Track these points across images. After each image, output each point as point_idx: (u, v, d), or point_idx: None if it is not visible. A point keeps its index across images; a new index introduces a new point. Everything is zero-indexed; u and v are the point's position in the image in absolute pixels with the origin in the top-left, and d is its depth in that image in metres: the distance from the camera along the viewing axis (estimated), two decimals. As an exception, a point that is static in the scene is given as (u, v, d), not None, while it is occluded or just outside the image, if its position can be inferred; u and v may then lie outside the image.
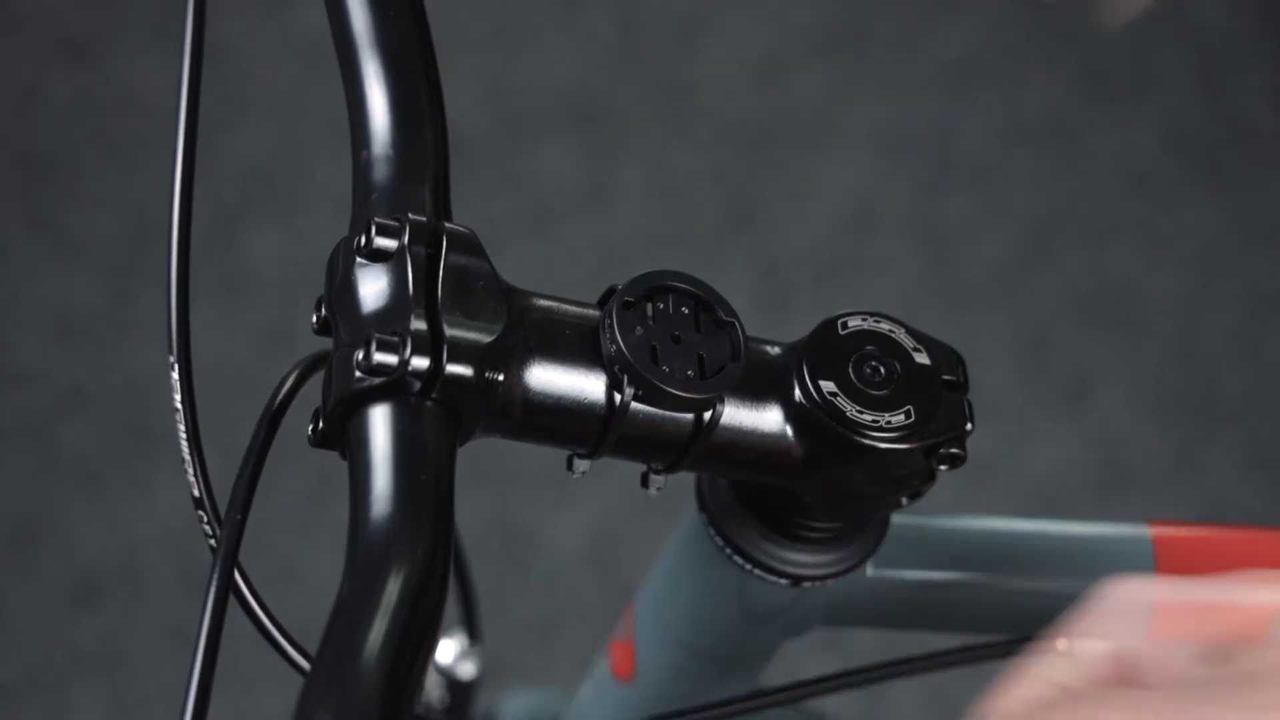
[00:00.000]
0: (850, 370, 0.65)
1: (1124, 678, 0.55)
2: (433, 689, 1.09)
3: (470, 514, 1.96)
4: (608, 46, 2.25)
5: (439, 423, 0.58)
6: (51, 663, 1.92)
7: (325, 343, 0.61)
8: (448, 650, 1.10)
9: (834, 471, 0.66)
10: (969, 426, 0.66)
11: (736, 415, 0.64)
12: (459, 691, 1.09)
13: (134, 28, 2.21)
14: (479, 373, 0.59)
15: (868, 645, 1.83)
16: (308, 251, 2.10)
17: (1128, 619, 0.56)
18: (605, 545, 1.98)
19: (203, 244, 2.03)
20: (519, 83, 2.22)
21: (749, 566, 0.74)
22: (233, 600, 0.60)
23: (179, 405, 0.64)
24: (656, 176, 2.14)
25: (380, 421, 0.57)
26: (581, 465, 0.64)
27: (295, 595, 1.89)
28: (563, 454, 0.65)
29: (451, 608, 1.12)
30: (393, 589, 0.52)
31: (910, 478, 0.67)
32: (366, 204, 0.61)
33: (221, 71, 2.17)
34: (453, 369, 0.58)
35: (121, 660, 1.92)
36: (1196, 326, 2.14)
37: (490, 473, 1.98)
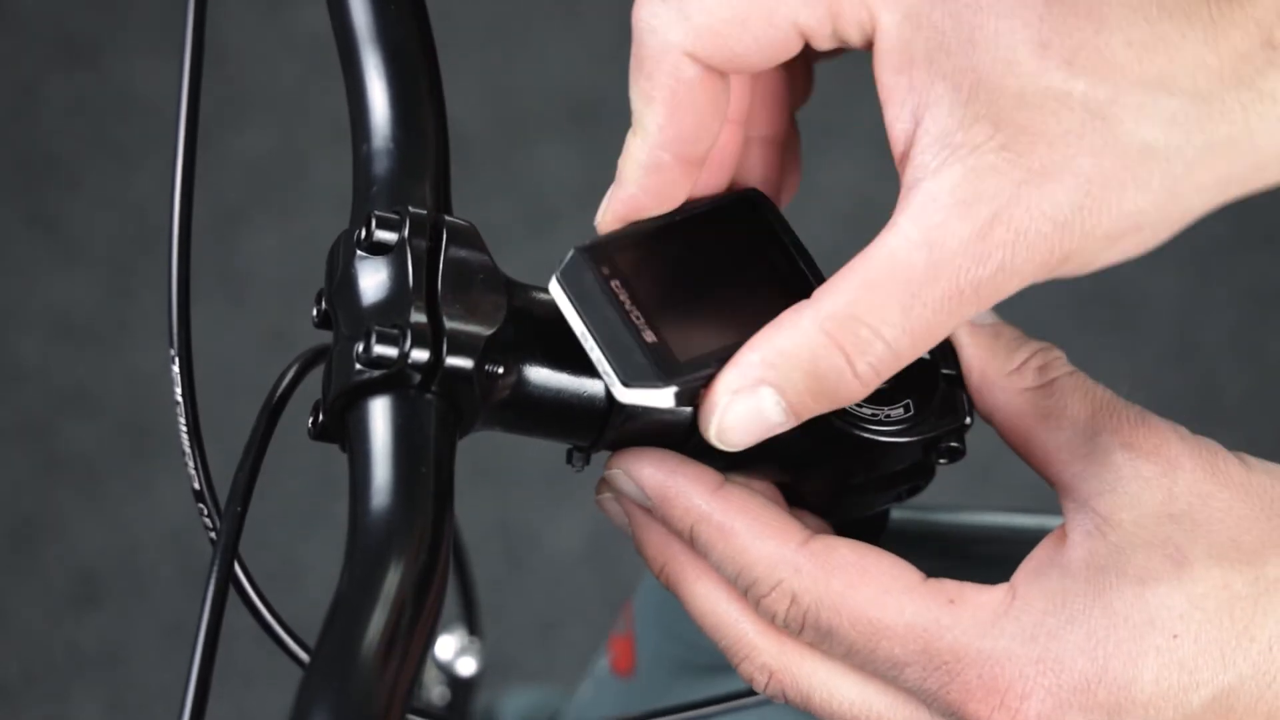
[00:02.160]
0: (849, 365, 0.65)
1: None
2: (433, 685, 1.09)
3: (471, 514, 1.96)
4: (608, 46, 2.25)
5: (439, 415, 0.58)
6: (51, 663, 1.92)
7: (326, 337, 0.62)
8: (448, 647, 1.10)
9: (832, 465, 0.66)
10: (968, 420, 0.66)
11: None
12: (459, 688, 1.09)
13: (134, 28, 2.21)
14: (479, 365, 0.59)
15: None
16: (307, 251, 2.10)
17: None
18: (605, 545, 1.98)
19: (202, 244, 2.03)
20: (519, 82, 2.22)
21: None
22: (232, 598, 0.60)
23: (179, 398, 0.64)
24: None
25: (380, 414, 0.57)
26: (580, 459, 0.64)
27: (295, 594, 1.89)
28: (562, 450, 0.65)
29: (452, 604, 1.12)
30: (392, 581, 0.52)
31: (909, 472, 0.67)
32: (367, 197, 0.61)
33: (221, 71, 2.17)
34: (452, 362, 0.58)
35: (121, 660, 1.93)
36: (1196, 326, 2.14)
37: (491, 472, 1.98)
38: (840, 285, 0.56)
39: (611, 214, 0.61)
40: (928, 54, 0.55)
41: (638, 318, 0.60)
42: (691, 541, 0.62)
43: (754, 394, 0.58)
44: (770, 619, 0.61)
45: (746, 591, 0.61)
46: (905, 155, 0.56)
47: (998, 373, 0.63)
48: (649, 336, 0.60)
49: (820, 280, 0.62)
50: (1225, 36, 0.55)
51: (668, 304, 0.61)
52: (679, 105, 0.59)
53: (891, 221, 0.56)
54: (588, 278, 0.60)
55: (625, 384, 0.60)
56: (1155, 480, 0.60)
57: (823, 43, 0.57)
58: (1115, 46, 0.55)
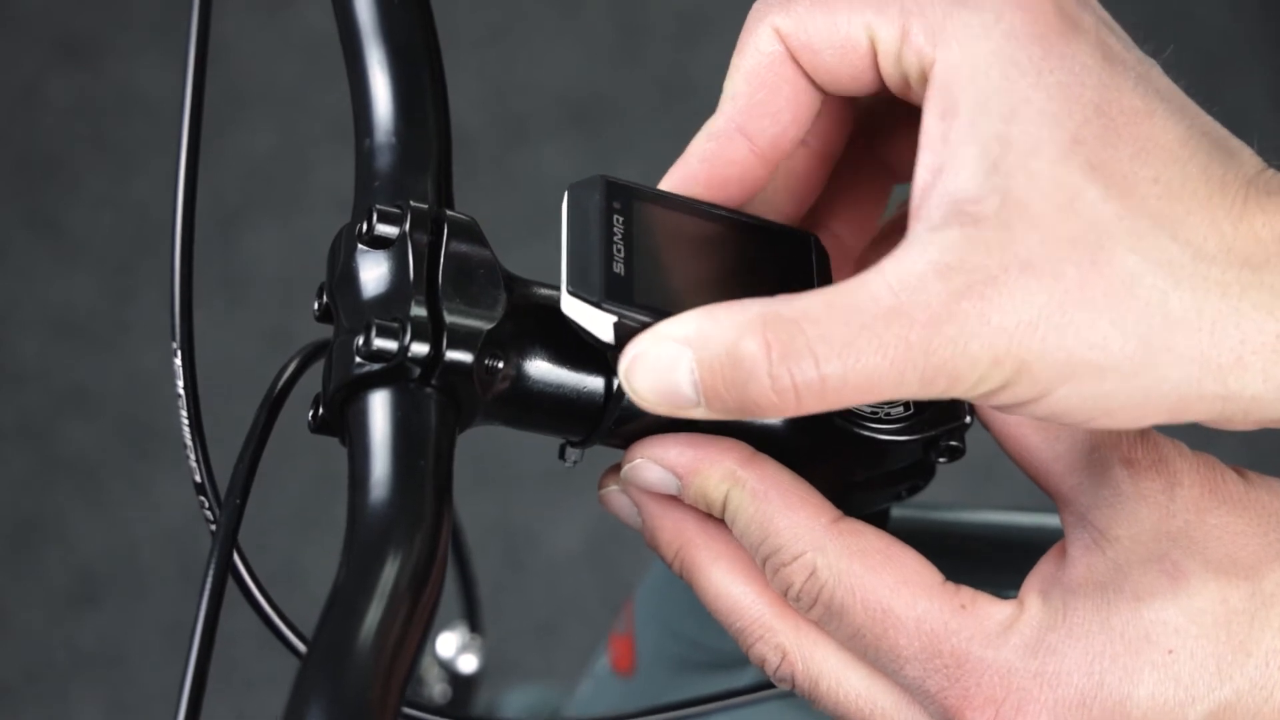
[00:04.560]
0: (849, 361, 0.65)
1: None
2: (435, 683, 1.09)
3: (471, 514, 1.96)
4: (608, 46, 2.25)
5: (438, 409, 0.58)
6: (51, 663, 1.92)
7: (328, 332, 0.62)
8: (450, 644, 1.10)
9: (833, 463, 0.66)
10: (968, 420, 0.66)
11: None
12: (461, 685, 1.10)
13: (134, 28, 2.21)
14: (478, 359, 0.59)
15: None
16: (307, 251, 2.10)
17: None
18: (605, 545, 1.98)
19: (202, 244, 2.03)
20: (519, 82, 2.22)
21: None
22: (232, 597, 0.61)
23: (181, 390, 0.64)
24: (657, 174, 2.14)
25: (380, 407, 0.58)
26: (573, 454, 0.64)
27: (295, 597, 1.89)
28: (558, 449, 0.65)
29: (455, 602, 1.12)
30: (390, 572, 0.52)
31: (909, 470, 0.67)
32: (368, 191, 0.62)
33: (222, 70, 2.17)
34: (452, 355, 0.58)
35: (121, 660, 1.93)
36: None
37: (491, 473, 1.98)
38: (802, 296, 0.55)
39: (665, 181, 0.63)
40: (972, 109, 0.55)
41: (619, 251, 0.60)
42: (723, 508, 0.62)
43: (675, 349, 0.56)
44: (784, 590, 0.61)
45: (766, 560, 0.61)
46: (918, 207, 0.55)
47: None
48: (618, 268, 0.59)
49: None
50: (1249, 217, 0.55)
51: (654, 258, 0.60)
52: (755, 76, 0.61)
53: (879, 263, 0.55)
54: (595, 200, 0.60)
55: (570, 291, 0.59)
56: (1153, 496, 0.60)
57: (887, 62, 0.58)
58: (1142, 177, 0.54)
